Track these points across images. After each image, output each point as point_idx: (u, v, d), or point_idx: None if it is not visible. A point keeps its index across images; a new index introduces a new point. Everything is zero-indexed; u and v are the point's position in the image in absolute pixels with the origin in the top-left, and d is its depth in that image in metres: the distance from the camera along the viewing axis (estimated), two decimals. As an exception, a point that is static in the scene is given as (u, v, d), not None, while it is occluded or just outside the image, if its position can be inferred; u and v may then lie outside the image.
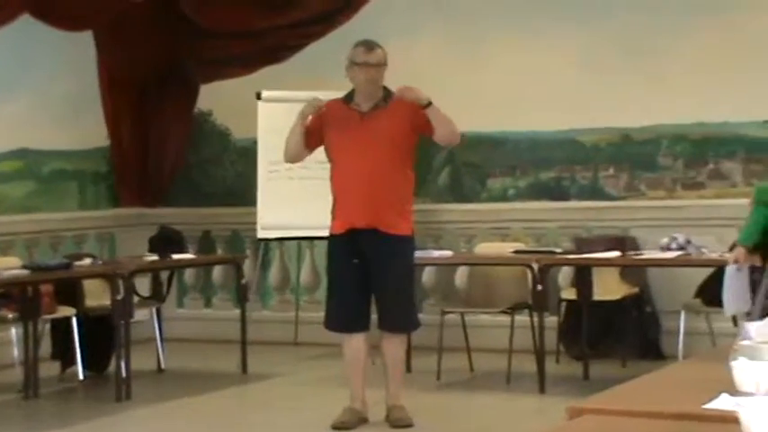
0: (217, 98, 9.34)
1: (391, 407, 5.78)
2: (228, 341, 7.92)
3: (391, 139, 5.61)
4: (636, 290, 7.59)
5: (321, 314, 7.74)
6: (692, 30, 7.83)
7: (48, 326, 7.19)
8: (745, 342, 2.44)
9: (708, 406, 2.07)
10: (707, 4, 7.80)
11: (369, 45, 5.68)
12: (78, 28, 8.77)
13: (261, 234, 8.34)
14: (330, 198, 5.82)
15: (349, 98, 5.72)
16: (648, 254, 6.87)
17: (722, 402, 2.07)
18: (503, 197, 8.61)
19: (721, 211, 7.44)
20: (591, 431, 2.07)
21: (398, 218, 5.68)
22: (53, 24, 8.41)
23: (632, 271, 7.58)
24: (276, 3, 8.87)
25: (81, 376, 7.13)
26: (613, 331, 7.61)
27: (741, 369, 2.21)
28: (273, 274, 9.04)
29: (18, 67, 8.44)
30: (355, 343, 5.76)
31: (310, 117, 5.69)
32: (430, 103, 5.50)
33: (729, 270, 4.98)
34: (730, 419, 1.91)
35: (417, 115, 5.55)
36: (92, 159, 9.20)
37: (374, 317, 5.93)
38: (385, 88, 5.68)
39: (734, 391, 2.16)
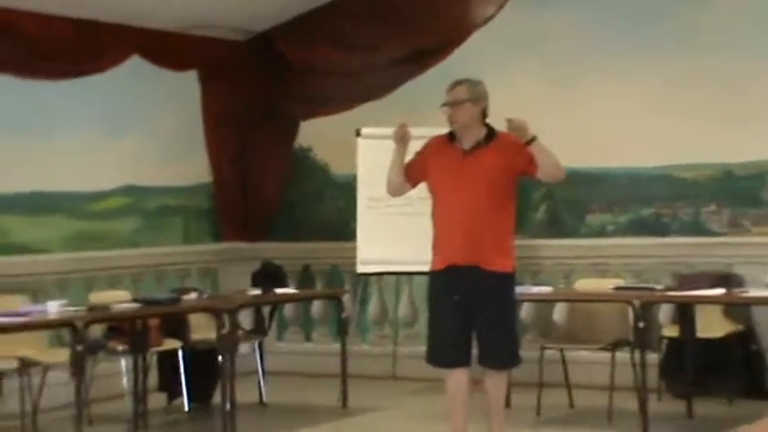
0: (316, 135, 9.52)
1: None
2: (328, 375, 8.02)
3: (493, 177, 5.61)
4: (740, 327, 7.47)
5: (419, 348, 7.80)
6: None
7: (155, 358, 7.36)
8: None
9: None
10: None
11: (453, 83, 5.72)
12: (184, 68, 9.03)
13: (360, 269, 8.44)
14: (429, 234, 5.85)
15: (452, 136, 5.76)
16: (754, 291, 6.75)
17: None
18: (602, 233, 8.58)
19: None
20: None
21: (499, 255, 5.67)
22: (160, 65, 8.68)
23: (736, 308, 7.45)
24: (366, 46, 9.01)
25: (186, 408, 7.30)
26: (717, 369, 7.48)
27: None
28: (372, 308, 9.13)
29: (126, 107, 8.70)
30: (457, 378, 5.76)
31: (407, 141, 5.75)
32: (534, 139, 5.53)
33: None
34: None
35: (520, 155, 5.54)
36: (195, 195, 9.42)
37: (475, 351, 5.94)
38: (488, 126, 5.71)
39: None
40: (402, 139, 5.72)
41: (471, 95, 5.65)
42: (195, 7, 8.52)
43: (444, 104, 5.65)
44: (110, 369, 7.35)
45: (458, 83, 5.71)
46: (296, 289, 8.71)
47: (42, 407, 6.88)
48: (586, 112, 8.40)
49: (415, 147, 5.91)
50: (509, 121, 5.46)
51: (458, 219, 5.62)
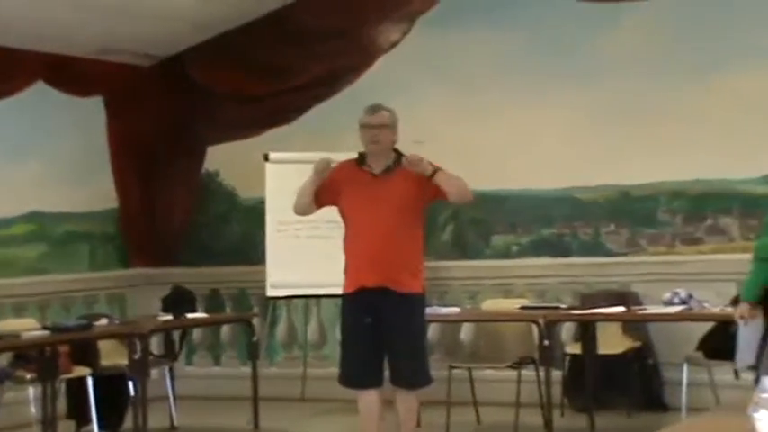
0: (224, 159, 9.55)
1: None
2: (237, 398, 8.02)
3: (402, 201, 5.74)
4: (638, 343, 7.71)
5: (328, 370, 7.89)
6: (686, 90, 8.06)
7: (63, 385, 7.29)
8: (765, 395, 2.61)
9: None
10: (700, 66, 8.04)
11: (373, 108, 5.84)
12: (89, 93, 8.98)
13: (270, 292, 8.48)
14: (337, 257, 5.94)
15: (361, 160, 5.86)
16: (652, 308, 7.01)
17: None
18: (506, 254, 8.79)
19: (720, 266, 7.60)
20: None
21: (410, 276, 5.79)
22: (65, 90, 8.63)
23: (634, 325, 7.71)
24: (276, 69, 9.08)
25: (96, 434, 7.24)
26: (616, 384, 7.72)
27: (763, 420, 2.38)
28: (281, 331, 9.17)
29: (30, 133, 8.63)
30: (369, 398, 5.86)
31: (326, 173, 5.86)
32: (436, 172, 5.61)
33: (740, 325, 5.13)
34: None
35: (429, 183, 5.70)
36: (101, 221, 9.36)
37: (387, 373, 6.06)
38: (396, 151, 5.84)
39: None
40: (322, 172, 5.80)
41: (392, 122, 5.80)
42: (103, 33, 8.48)
43: (369, 126, 5.73)
44: (16, 398, 7.25)
45: (379, 107, 5.82)
46: (204, 313, 8.69)
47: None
48: (490, 135, 8.60)
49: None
50: (405, 158, 5.62)
51: (368, 242, 5.72)
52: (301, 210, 6.00)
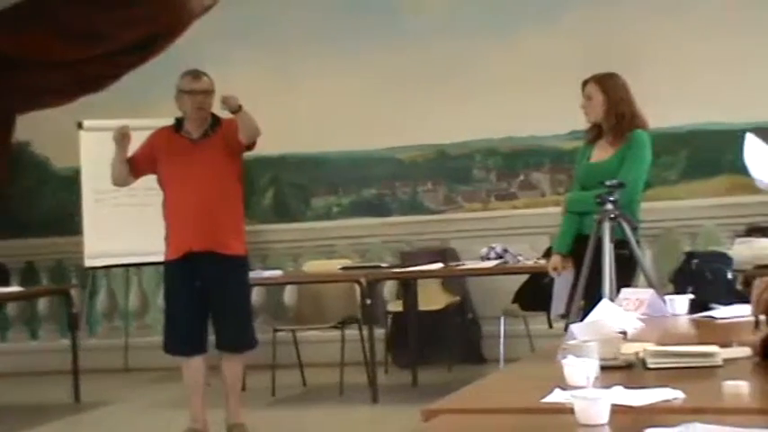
0: (35, 128, 9.22)
1: (232, 425, 5.92)
2: (57, 372, 7.91)
3: (221, 163, 5.76)
4: (457, 299, 7.96)
5: (150, 339, 7.81)
6: (495, 51, 8.27)
7: None
8: (572, 342, 2.75)
9: (545, 400, 2.35)
10: (507, 28, 8.28)
11: (195, 73, 5.82)
12: None
13: (88, 263, 8.30)
14: (157, 224, 5.91)
15: (179, 126, 5.83)
16: (469, 264, 7.22)
17: (557, 396, 2.35)
18: (327, 215, 8.86)
19: (532, 220, 7.90)
20: (448, 429, 2.31)
21: (233, 239, 5.82)
22: None
23: (454, 281, 7.94)
24: (84, 35, 8.85)
25: None
26: (438, 339, 7.94)
27: (571, 365, 2.51)
28: (101, 301, 9.03)
29: None
30: (194, 365, 5.86)
31: (128, 142, 5.80)
32: (240, 107, 5.62)
33: (554, 276, 5.33)
34: (566, 410, 2.17)
35: (234, 132, 5.71)
36: None
37: (212, 337, 6.07)
38: (213, 115, 5.83)
39: (565, 385, 2.44)
40: (122, 140, 5.77)
41: (213, 87, 5.79)
42: None
43: (194, 92, 5.70)
44: None
45: (199, 72, 5.80)
46: (20, 286, 8.48)
47: None
48: (306, 98, 8.62)
49: (140, 138, 5.97)
50: (223, 97, 5.60)
51: (191, 207, 5.71)
52: (119, 182, 5.98)
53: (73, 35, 8.81)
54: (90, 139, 8.16)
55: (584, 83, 5.24)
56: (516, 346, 7.21)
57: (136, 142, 5.91)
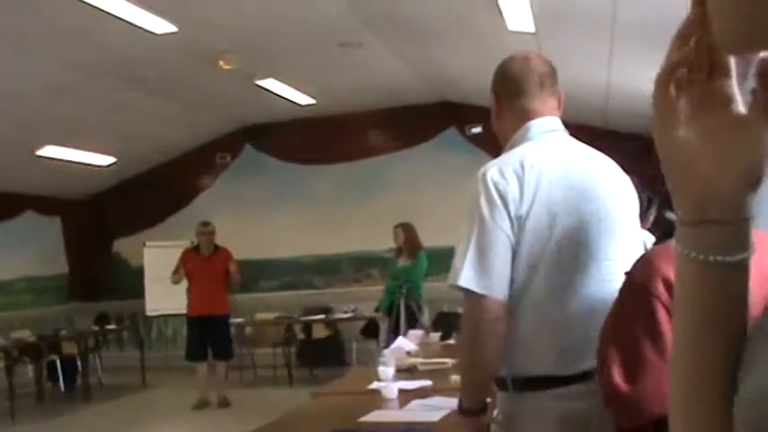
0: (119, 244, 14.84)
1: (221, 398, 10.24)
2: (134, 367, 12.64)
3: (220, 270, 10.82)
4: (333, 332, 13.40)
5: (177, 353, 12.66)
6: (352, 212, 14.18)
7: None
8: (384, 356, 5.06)
9: (370, 387, 4.22)
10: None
11: (205, 222, 11.12)
12: None
13: (148, 313, 13.67)
14: (184, 296, 11.02)
15: (197, 248, 10.75)
16: (338, 315, 12.88)
17: (375, 384, 4.16)
18: (268, 290, 14.01)
19: (365, 294, 12.93)
20: (326, 404, 3.93)
21: (222, 305, 10.69)
22: None
23: (331, 323, 13.28)
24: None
25: None
26: (323, 353, 12.52)
27: (382, 367, 4.47)
28: (154, 333, 14.56)
29: None
30: (201, 367, 10.31)
31: (179, 279, 10.54)
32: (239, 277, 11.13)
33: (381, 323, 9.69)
34: (379, 392, 4.01)
35: (228, 258, 10.98)
36: None
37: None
38: (215, 244, 11.04)
39: (380, 378, 4.44)
40: (177, 280, 10.79)
41: (215, 230, 10.82)
42: None
43: (206, 233, 10.91)
44: None
45: (208, 222, 10.97)
46: (115, 325, 13.54)
47: None
48: (265, 233, 13.97)
49: (176, 251, 11.69)
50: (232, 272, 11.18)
51: (203, 290, 10.91)
52: (175, 283, 10.71)
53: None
54: (150, 252, 14.08)
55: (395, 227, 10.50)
56: (363, 356, 11.88)
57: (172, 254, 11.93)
